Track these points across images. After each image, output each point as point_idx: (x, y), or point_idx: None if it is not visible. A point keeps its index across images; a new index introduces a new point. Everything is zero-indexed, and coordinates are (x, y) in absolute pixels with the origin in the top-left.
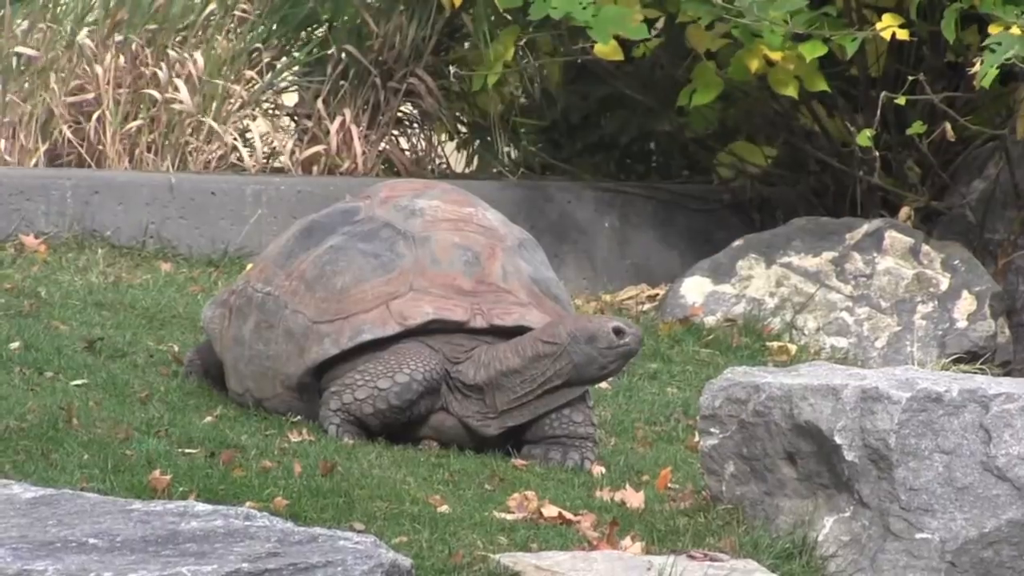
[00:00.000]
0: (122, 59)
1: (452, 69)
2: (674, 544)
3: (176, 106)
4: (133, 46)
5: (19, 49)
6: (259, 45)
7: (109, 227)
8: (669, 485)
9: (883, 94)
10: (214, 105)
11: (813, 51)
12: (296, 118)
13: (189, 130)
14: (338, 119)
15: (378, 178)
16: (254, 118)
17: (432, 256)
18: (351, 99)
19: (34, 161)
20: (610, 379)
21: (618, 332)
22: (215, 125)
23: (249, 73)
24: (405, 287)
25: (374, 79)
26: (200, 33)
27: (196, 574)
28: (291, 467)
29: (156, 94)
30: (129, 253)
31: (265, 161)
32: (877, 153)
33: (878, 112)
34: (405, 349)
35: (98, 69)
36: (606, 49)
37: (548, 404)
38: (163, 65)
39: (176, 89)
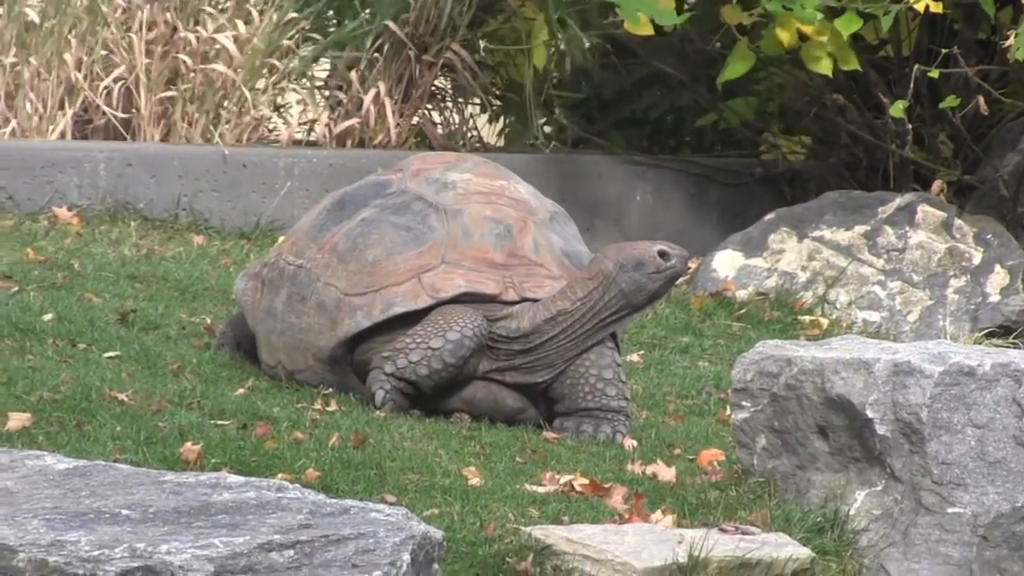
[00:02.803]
0: (156, 27)
1: (483, 44)
2: (705, 517)
3: (217, 70)
4: (168, 14)
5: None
6: (295, 14)
7: (142, 200)
8: (694, 458)
9: (916, 67)
10: (249, 76)
11: (848, 25)
12: (329, 91)
13: (226, 101)
14: (372, 92)
15: (410, 151)
16: (289, 91)
17: (464, 229)
18: (385, 72)
19: (60, 129)
20: (642, 351)
21: (663, 255)
22: (249, 96)
23: (287, 43)
24: (437, 260)
25: (409, 52)
26: (233, 3)
27: (228, 545)
28: (323, 439)
29: (188, 60)
30: (162, 226)
31: (299, 135)
32: (910, 125)
33: (911, 85)
34: (449, 310)
35: (132, 36)
36: (636, 25)
37: (596, 337)
38: (199, 32)
39: (215, 58)
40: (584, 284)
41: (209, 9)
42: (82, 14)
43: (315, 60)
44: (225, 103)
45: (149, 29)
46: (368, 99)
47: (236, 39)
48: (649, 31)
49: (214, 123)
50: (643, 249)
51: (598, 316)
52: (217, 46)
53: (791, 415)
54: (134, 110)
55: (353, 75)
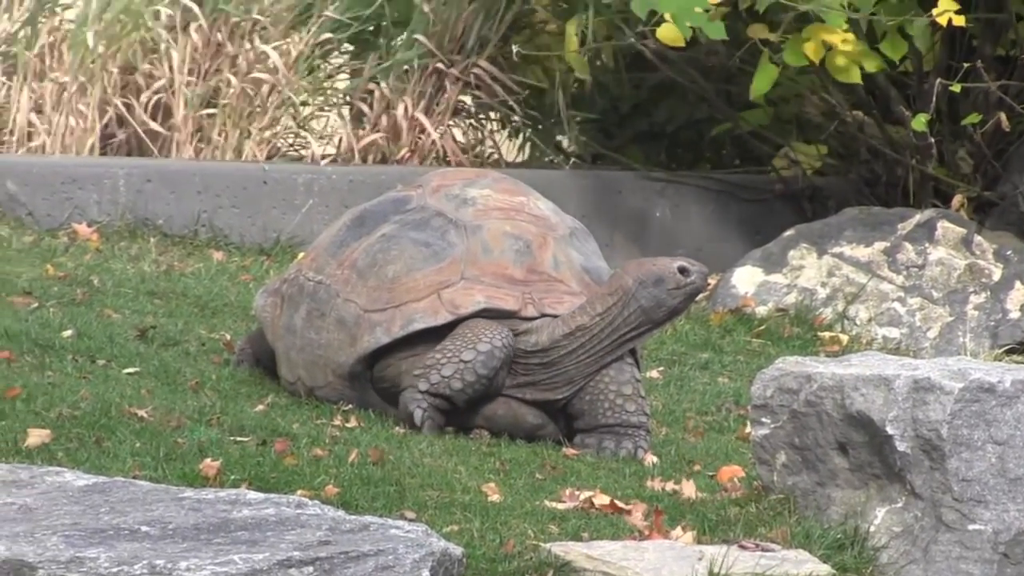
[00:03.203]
0: (196, 43)
1: (515, 48)
2: (725, 534)
3: (258, 85)
4: (211, 32)
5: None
6: (329, 35)
7: (161, 216)
8: (714, 475)
9: (938, 81)
10: (291, 92)
11: (894, 50)
12: (352, 105)
13: (265, 118)
14: (398, 106)
15: (431, 167)
16: (319, 107)
17: (484, 245)
18: (411, 88)
19: (90, 144)
20: (662, 368)
21: (683, 271)
22: (294, 111)
23: (321, 62)
24: (456, 276)
25: (436, 68)
26: (268, 22)
27: (248, 562)
28: (343, 455)
29: (231, 77)
30: (181, 242)
31: (323, 149)
32: (932, 139)
33: (933, 99)
34: (475, 323)
35: (173, 53)
36: (668, 34)
37: (615, 353)
38: (245, 50)
39: (256, 74)
40: (603, 300)
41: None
42: (121, 27)
43: (371, 79)
44: (264, 119)
45: (191, 46)
46: (393, 111)
47: (280, 55)
48: (681, 43)
49: (246, 138)
50: (663, 265)
51: (617, 332)
52: (259, 65)
53: (811, 431)
54: (169, 125)
55: (380, 87)
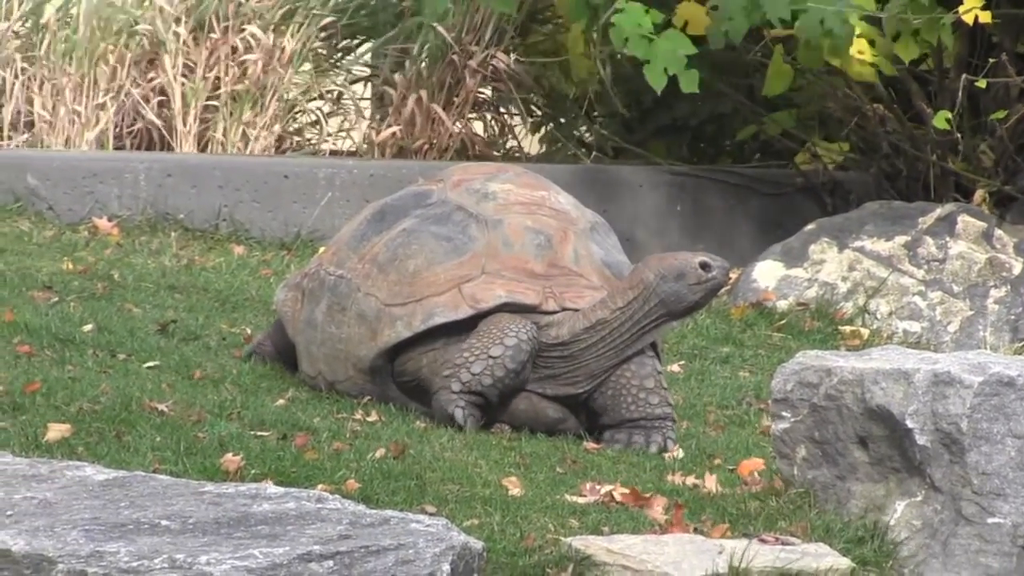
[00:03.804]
0: (192, 40)
1: (513, 56)
2: (746, 528)
3: (257, 74)
4: (205, 25)
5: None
6: (332, 18)
7: (182, 210)
8: (735, 469)
9: (964, 76)
10: (290, 81)
11: (907, 52)
12: (375, 91)
13: (265, 108)
14: (414, 98)
15: (451, 161)
16: (331, 97)
17: (504, 239)
18: (428, 80)
19: (94, 136)
20: (683, 362)
21: (704, 266)
22: (289, 99)
23: (321, 47)
24: (477, 270)
25: (453, 59)
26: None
27: (268, 556)
28: (363, 449)
29: (230, 66)
30: (202, 236)
31: (340, 144)
32: (959, 134)
33: (960, 94)
34: (498, 319)
35: (170, 48)
36: (661, 85)
37: (635, 346)
38: (244, 43)
39: (255, 63)
40: (624, 294)
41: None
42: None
43: (349, 70)
44: (265, 110)
45: (190, 35)
46: (411, 103)
47: (277, 45)
48: (661, 86)
49: (250, 130)
50: (684, 260)
51: (638, 325)
52: (256, 54)
53: (831, 425)
54: (171, 119)
55: (397, 79)
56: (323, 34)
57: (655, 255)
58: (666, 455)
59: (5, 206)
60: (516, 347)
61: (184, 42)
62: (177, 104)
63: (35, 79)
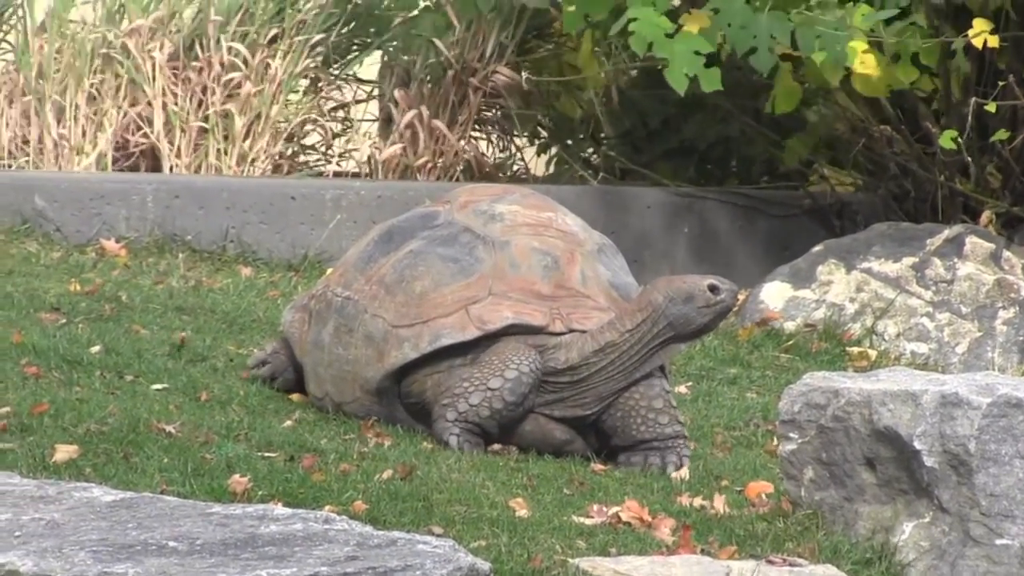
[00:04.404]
0: (174, 60)
1: (524, 75)
2: (753, 549)
3: (248, 97)
4: (190, 47)
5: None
6: (321, 35)
7: (190, 231)
8: (742, 490)
9: (973, 100)
10: (283, 101)
11: (907, 74)
12: (378, 118)
13: (258, 128)
14: (416, 115)
15: (456, 182)
16: (329, 118)
17: (511, 261)
18: (430, 98)
19: (90, 161)
20: (690, 383)
21: (713, 289)
22: (283, 118)
23: (311, 64)
24: (484, 292)
25: (454, 76)
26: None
27: None
28: (370, 471)
29: (218, 88)
30: (209, 257)
31: (344, 161)
32: (967, 157)
33: (969, 117)
34: (503, 348)
35: (155, 70)
36: (682, 87)
37: (643, 370)
38: (230, 65)
39: (244, 86)
40: (632, 316)
41: (235, 45)
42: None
43: (336, 81)
44: (260, 135)
45: (171, 60)
46: (413, 120)
47: (268, 66)
48: (683, 88)
49: (243, 150)
50: (693, 282)
51: (646, 348)
52: (244, 73)
53: (838, 447)
54: (162, 141)
55: (399, 96)
56: (316, 51)
57: (664, 277)
58: (674, 475)
59: (13, 228)
60: (516, 379)
61: (165, 65)
62: (158, 127)
63: (28, 102)
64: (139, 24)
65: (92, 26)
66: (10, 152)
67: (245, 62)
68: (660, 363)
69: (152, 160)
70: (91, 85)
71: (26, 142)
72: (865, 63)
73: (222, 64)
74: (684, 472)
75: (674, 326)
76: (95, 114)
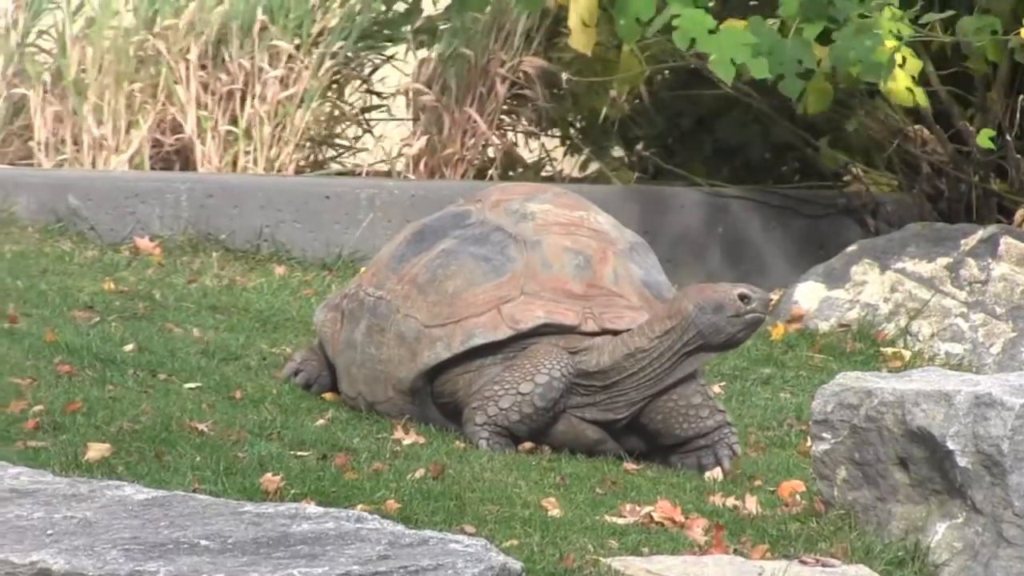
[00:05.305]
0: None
1: (564, 76)
2: (786, 549)
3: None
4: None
5: None
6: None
7: (224, 230)
8: (775, 490)
9: (1021, 97)
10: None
11: (914, 66)
12: (412, 103)
13: (289, 127)
14: (445, 106)
15: (490, 181)
16: (355, 117)
17: (543, 260)
18: (457, 88)
19: (125, 159)
20: (723, 383)
21: (744, 298)
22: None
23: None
24: (516, 291)
25: (482, 66)
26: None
27: None
28: (403, 469)
29: (250, 88)
30: (243, 256)
31: (372, 155)
32: (1014, 151)
33: (1008, 114)
34: (535, 350)
35: (189, 70)
36: (730, 77)
37: (675, 375)
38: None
39: (275, 86)
40: (663, 322)
41: (278, 42)
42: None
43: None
44: (286, 142)
45: (205, 63)
46: (435, 106)
47: (294, 67)
48: (731, 77)
49: (276, 151)
50: (723, 292)
51: (677, 355)
52: (276, 73)
53: (871, 447)
54: (195, 143)
55: (426, 88)
56: (341, 52)
57: (696, 285)
58: (707, 475)
59: (47, 226)
60: (547, 384)
61: (197, 68)
62: (190, 129)
63: (63, 101)
64: (171, 23)
65: (127, 29)
66: (46, 151)
67: (272, 66)
68: (690, 370)
69: (184, 162)
70: (127, 86)
71: (63, 142)
72: (896, 76)
73: (249, 68)
74: (717, 472)
75: (703, 335)
76: (129, 114)
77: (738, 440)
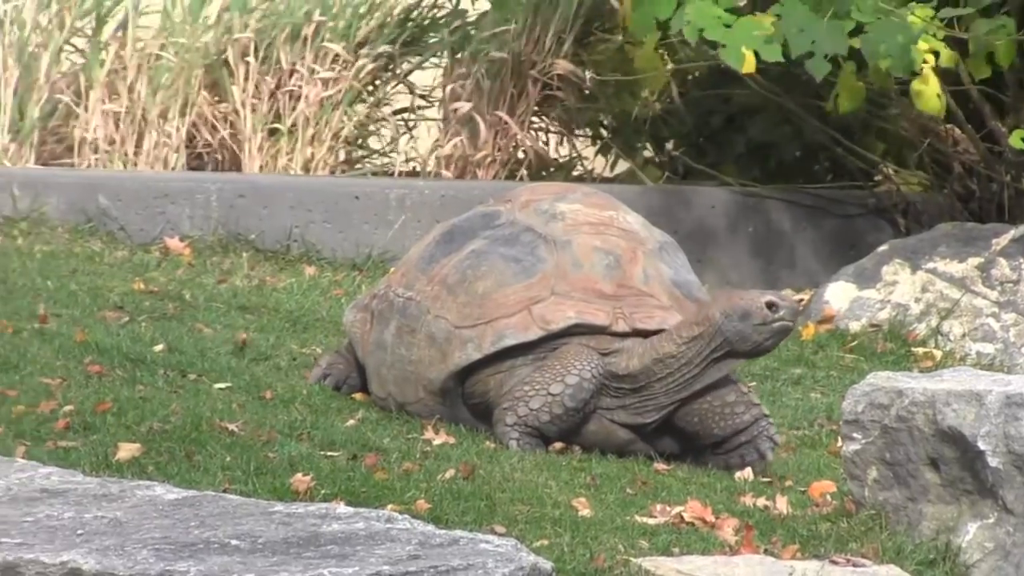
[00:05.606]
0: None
1: (589, 75)
2: (817, 549)
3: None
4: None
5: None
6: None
7: (253, 231)
8: (806, 490)
9: None
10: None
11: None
12: (443, 107)
13: (327, 128)
14: (474, 108)
15: (520, 182)
16: (390, 118)
17: (573, 260)
18: (489, 90)
19: (180, 162)
20: (754, 382)
21: (771, 306)
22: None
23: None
24: (547, 291)
25: (513, 68)
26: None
27: None
28: (433, 470)
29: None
30: (273, 257)
31: (404, 156)
32: None
33: None
34: (565, 351)
35: (238, 74)
36: (740, 63)
37: (704, 380)
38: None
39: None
40: (691, 328)
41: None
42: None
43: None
44: (322, 142)
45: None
46: (468, 108)
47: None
48: (752, 69)
49: (312, 152)
50: (751, 299)
51: (705, 361)
52: (325, 75)
53: (902, 447)
54: (238, 142)
55: (459, 90)
56: (378, 56)
57: (725, 292)
58: (737, 476)
59: (77, 226)
60: (577, 385)
61: (250, 69)
62: (247, 128)
63: (103, 100)
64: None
65: (177, 27)
66: (90, 151)
67: (320, 66)
68: (719, 376)
69: (224, 162)
70: (176, 86)
71: (112, 142)
72: (927, 79)
73: (289, 70)
74: (747, 472)
75: (730, 342)
76: (172, 114)
77: (776, 430)
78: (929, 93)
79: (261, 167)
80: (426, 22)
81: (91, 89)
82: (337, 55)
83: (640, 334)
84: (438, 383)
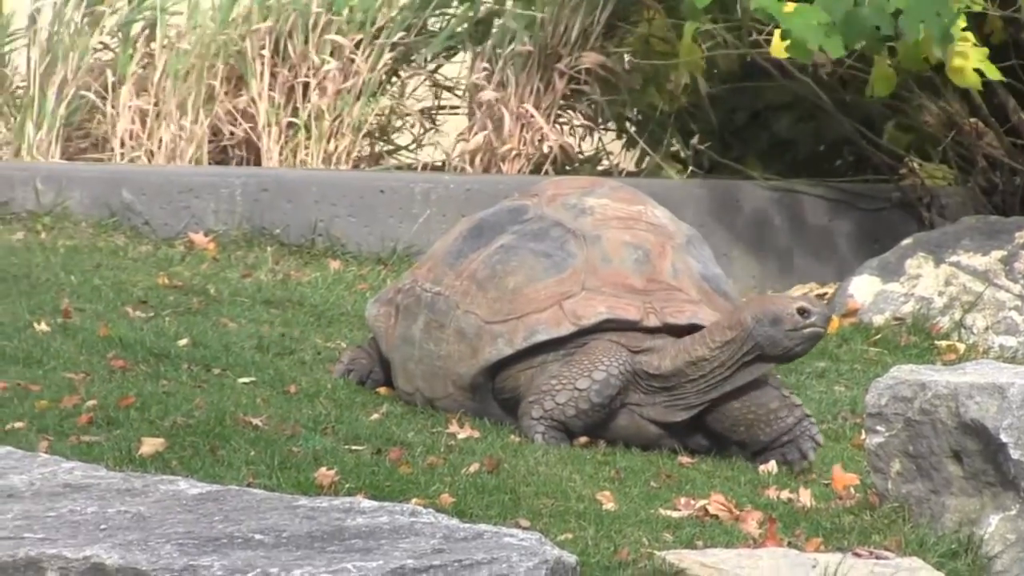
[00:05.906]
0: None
1: (627, 57)
2: (840, 542)
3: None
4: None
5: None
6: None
7: (278, 225)
8: (829, 483)
9: None
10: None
11: (978, 55)
12: (469, 99)
13: (354, 122)
14: (502, 101)
15: (545, 175)
16: (414, 112)
17: (603, 255)
18: (515, 83)
19: (197, 155)
20: (779, 376)
21: (803, 312)
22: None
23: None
24: (577, 286)
25: (539, 61)
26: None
27: (362, 570)
28: (457, 464)
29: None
30: (298, 251)
31: (431, 149)
32: None
33: None
34: (593, 347)
35: (257, 66)
36: (781, 51)
37: (735, 383)
38: (320, 58)
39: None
40: (723, 332)
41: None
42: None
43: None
44: (342, 135)
45: (274, 55)
46: (494, 100)
47: (352, 61)
48: (808, 57)
49: (333, 145)
50: (782, 305)
51: (736, 364)
52: (334, 66)
53: (925, 440)
54: (261, 137)
55: (484, 83)
56: (400, 48)
57: (759, 296)
58: (761, 469)
59: (101, 221)
60: (604, 381)
61: (267, 62)
62: (263, 122)
63: (131, 96)
64: (250, 15)
65: (200, 24)
66: (104, 147)
67: (330, 61)
68: (750, 379)
69: (243, 155)
70: (202, 80)
71: (137, 137)
72: (967, 53)
73: (310, 63)
74: (771, 466)
75: (761, 347)
76: (195, 109)
77: (817, 429)
78: (968, 66)
79: (280, 161)
80: (447, 14)
81: (121, 85)
82: (355, 44)
83: (670, 328)
84: (468, 378)
